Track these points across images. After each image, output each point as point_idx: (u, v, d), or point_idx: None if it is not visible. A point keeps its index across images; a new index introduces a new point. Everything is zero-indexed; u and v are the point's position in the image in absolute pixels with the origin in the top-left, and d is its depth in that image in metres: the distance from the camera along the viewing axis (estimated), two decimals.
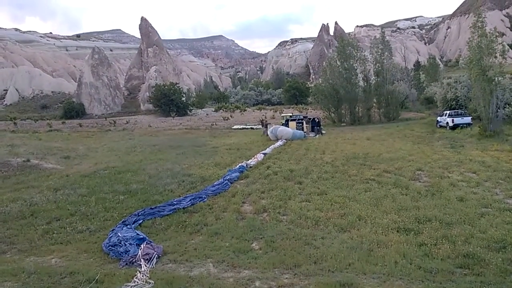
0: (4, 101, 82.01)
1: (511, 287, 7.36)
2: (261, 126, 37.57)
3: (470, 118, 31.25)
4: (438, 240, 9.43)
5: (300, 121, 34.03)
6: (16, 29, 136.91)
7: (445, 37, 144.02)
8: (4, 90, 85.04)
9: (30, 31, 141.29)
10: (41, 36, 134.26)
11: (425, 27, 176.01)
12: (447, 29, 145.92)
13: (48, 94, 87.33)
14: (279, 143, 27.33)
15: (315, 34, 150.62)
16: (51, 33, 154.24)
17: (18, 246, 10.64)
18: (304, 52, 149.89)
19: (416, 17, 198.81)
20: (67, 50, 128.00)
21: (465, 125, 30.55)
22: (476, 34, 26.64)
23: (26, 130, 45.99)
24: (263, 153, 22.40)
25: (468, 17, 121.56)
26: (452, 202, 12.46)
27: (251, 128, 42.15)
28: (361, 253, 8.95)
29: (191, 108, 65.21)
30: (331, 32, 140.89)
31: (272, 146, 24.96)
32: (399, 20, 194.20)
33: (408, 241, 9.49)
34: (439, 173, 16.46)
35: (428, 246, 9.21)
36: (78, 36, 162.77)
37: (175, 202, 13.44)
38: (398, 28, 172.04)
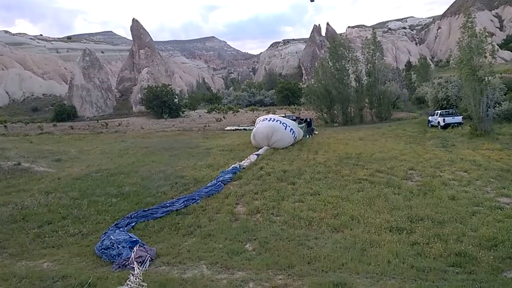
0: None
1: (503, 285, 7.43)
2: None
3: (461, 117, 31.51)
4: (431, 239, 9.50)
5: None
6: (6, 31, 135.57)
7: (436, 38, 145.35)
8: None
9: (20, 33, 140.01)
10: (31, 38, 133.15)
11: (416, 28, 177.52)
12: (437, 30, 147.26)
13: (39, 96, 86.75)
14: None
15: (307, 35, 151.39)
16: (41, 35, 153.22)
17: (9, 250, 10.54)
18: (296, 53, 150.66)
19: (407, 17, 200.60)
20: (58, 52, 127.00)
21: (456, 124, 30.78)
22: (466, 34, 26.86)
23: (16, 133, 45.49)
24: (256, 154, 22.39)
25: (458, 17, 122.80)
26: (444, 201, 12.57)
27: (244, 129, 42.12)
28: (354, 253, 8.98)
29: (184, 109, 65.02)
30: (323, 33, 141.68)
31: (265, 148, 24.89)
32: (390, 20, 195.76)
33: (400, 241, 9.55)
34: (431, 172, 16.58)
35: (421, 245, 9.28)
36: (69, 38, 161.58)
37: (168, 204, 13.39)
38: (389, 29, 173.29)
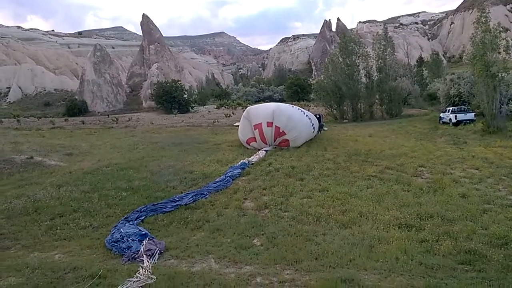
0: (7, 98, 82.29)
1: None
2: None
3: (473, 114, 31.13)
4: (440, 237, 9.45)
5: None
6: (18, 27, 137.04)
7: (449, 33, 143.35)
8: (7, 87, 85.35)
9: (32, 29, 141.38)
10: (43, 34, 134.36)
11: (428, 23, 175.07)
12: (450, 25, 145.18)
13: (51, 91, 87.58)
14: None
15: (316, 30, 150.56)
16: (53, 30, 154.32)
17: (22, 242, 10.73)
18: (306, 48, 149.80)
19: (419, 12, 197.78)
20: (69, 48, 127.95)
21: (468, 121, 30.43)
22: (480, 29, 26.49)
23: (29, 128, 46.05)
24: (265, 150, 22.39)
25: (471, 12, 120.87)
26: (454, 198, 12.46)
27: None
28: (362, 249, 8.98)
29: (193, 105, 65.17)
30: (333, 28, 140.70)
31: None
32: (402, 16, 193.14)
33: (409, 238, 9.51)
34: (441, 170, 16.45)
35: (430, 242, 9.23)
36: (80, 33, 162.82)
37: (177, 199, 13.50)
38: (401, 24, 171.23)
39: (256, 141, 23.68)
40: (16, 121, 53.72)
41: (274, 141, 23.35)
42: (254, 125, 23.47)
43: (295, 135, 23.19)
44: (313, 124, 26.19)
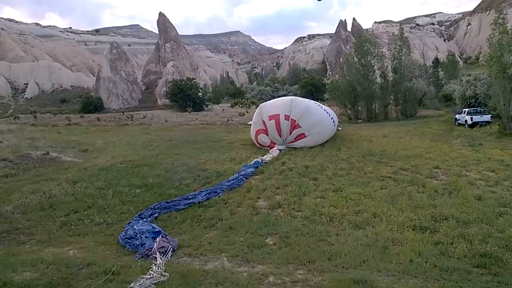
0: (24, 94, 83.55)
1: None
2: None
3: (489, 116, 30.63)
4: (455, 239, 9.32)
5: None
6: (37, 24, 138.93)
7: (465, 34, 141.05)
8: (24, 83, 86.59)
9: (50, 26, 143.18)
10: (60, 31, 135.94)
11: (444, 24, 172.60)
12: (467, 26, 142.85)
13: (67, 88, 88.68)
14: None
15: (331, 30, 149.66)
16: (70, 28, 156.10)
17: (37, 237, 10.89)
18: (321, 48, 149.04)
19: (435, 13, 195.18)
20: (86, 45, 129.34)
21: (484, 123, 29.95)
22: (497, 31, 26.14)
23: (45, 124, 46.81)
24: (278, 149, 22.36)
25: (489, 13, 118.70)
26: (469, 201, 12.28)
27: None
28: (375, 251, 8.91)
29: (207, 103, 65.45)
30: (349, 28, 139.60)
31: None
32: (418, 16, 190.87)
33: (424, 240, 9.41)
34: (456, 172, 16.22)
35: (444, 244, 9.12)
36: (97, 31, 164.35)
37: (190, 197, 13.57)
38: (417, 25, 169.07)
39: (267, 134, 23.56)
40: (33, 117, 54.69)
41: (290, 134, 23.13)
42: (269, 116, 23.27)
43: (313, 130, 23.20)
44: (332, 118, 26.27)
